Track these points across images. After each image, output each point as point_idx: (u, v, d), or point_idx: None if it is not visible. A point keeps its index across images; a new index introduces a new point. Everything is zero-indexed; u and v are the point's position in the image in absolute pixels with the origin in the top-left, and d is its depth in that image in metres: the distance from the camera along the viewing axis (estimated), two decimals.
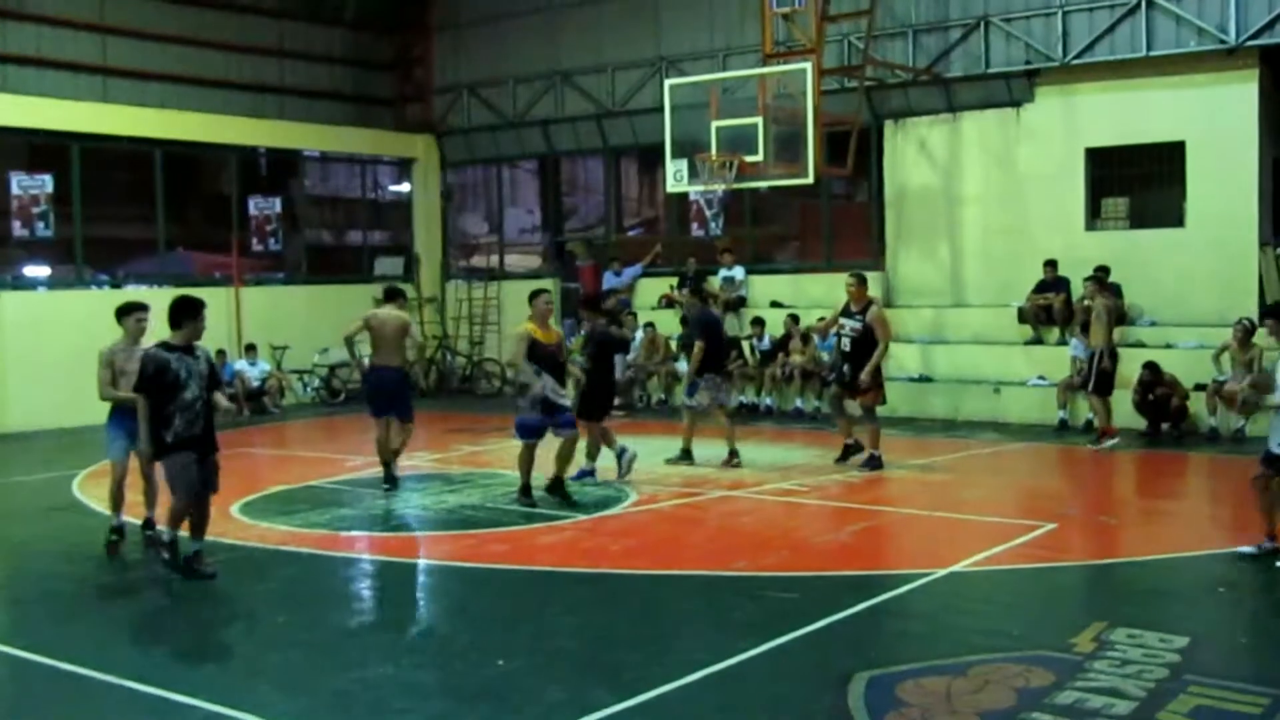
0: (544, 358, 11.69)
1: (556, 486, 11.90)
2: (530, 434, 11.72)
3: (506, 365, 11.47)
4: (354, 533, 10.94)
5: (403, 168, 25.75)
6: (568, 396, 12.16)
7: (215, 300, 21.20)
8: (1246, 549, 9.39)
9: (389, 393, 12.98)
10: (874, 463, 13.53)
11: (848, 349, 13.53)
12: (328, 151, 24.79)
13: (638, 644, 7.48)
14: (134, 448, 9.68)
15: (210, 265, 23.15)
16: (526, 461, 11.81)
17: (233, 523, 11.17)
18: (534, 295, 12.07)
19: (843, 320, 13.57)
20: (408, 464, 14.81)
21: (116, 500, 10.02)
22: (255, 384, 20.88)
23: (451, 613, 8.64)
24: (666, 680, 6.59)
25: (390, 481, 12.86)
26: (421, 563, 10.03)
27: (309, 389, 22.52)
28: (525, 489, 11.80)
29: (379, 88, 25.10)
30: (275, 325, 21.94)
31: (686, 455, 14.11)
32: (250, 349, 21.04)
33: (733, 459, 13.90)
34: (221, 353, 20.82)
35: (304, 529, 10.93)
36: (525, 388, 11.66)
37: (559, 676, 6.84)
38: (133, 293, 21.37)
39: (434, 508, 12.05)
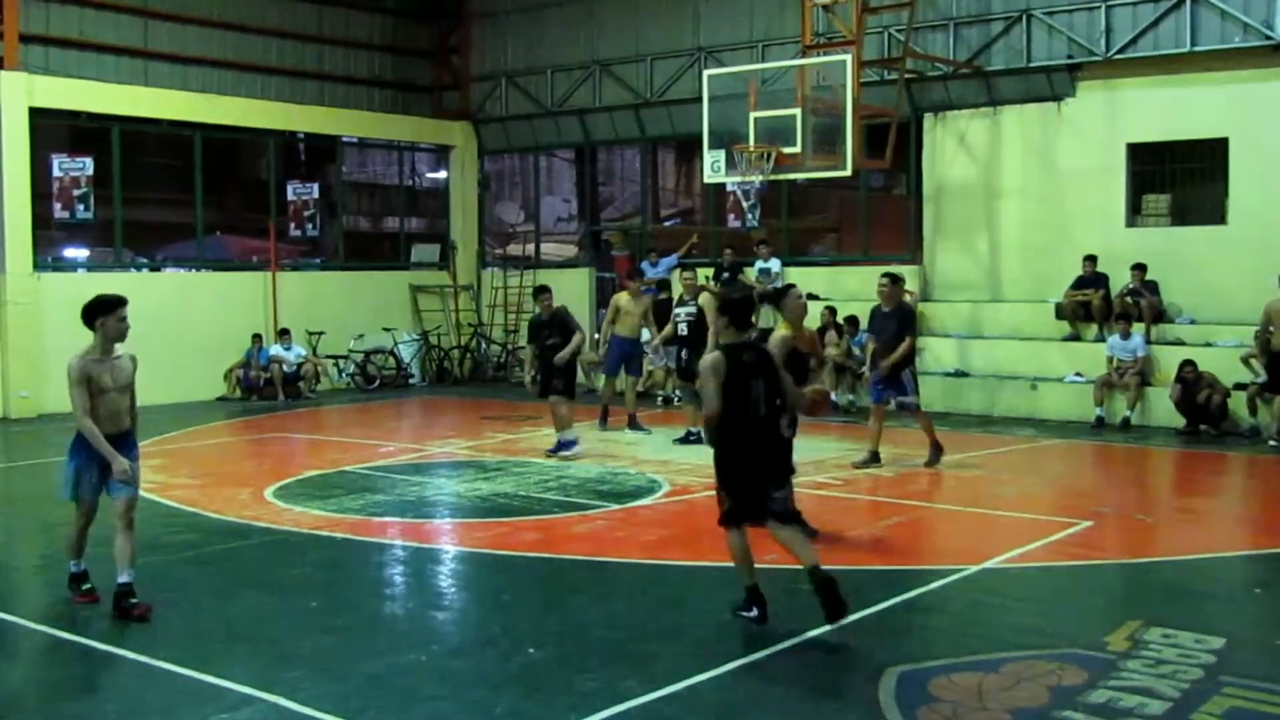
0: (801, 364, 9.57)
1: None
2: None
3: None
4: (387, 519, 10.98)
5: (440, 155, 25.81)
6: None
7: (252, 285, 21.52)
8: None
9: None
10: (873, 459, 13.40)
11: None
12: (365, 138, 24.89)
13: (669, 635, 7.48)
14: (109, 486, 7.89)
15: (248, 250, 23.31)
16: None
17: (267, 507, 11.25)
18: (784, 291, 11.02)
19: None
20: (440, 451, 14.91)
21: (79, 545, 8.15)
22: (291, 369, 20.98)
23: (483, 600, 8.67)
24: (698, 671, 6.60)
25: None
26: (454, 550, 10.07)
27: (344, 375, 22.64)
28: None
29: (417, 75, 25.16)
30: (312, 311, 22.06)
31: (875, 458, 13.53)
32: (284, 334, 21.15)
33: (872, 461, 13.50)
34: (258, 337, 20.99)
35: (338, 514, 10.99)
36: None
37: (590, 666, 6.85)
38: (170, 276, 21.60)
39: (468, 495, 12.09)
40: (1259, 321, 15.75)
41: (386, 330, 23.21)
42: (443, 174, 26.00)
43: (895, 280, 13.49)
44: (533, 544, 10.02)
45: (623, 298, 16.46)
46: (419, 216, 26.57)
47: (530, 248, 25.78)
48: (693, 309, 15.08)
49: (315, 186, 23.28)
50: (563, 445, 14.09)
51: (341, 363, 22.63)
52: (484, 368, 24.68)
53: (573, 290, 22.37)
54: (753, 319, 7.91)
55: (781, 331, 9.96)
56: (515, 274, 24.75)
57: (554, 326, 14.37)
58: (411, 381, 23.37)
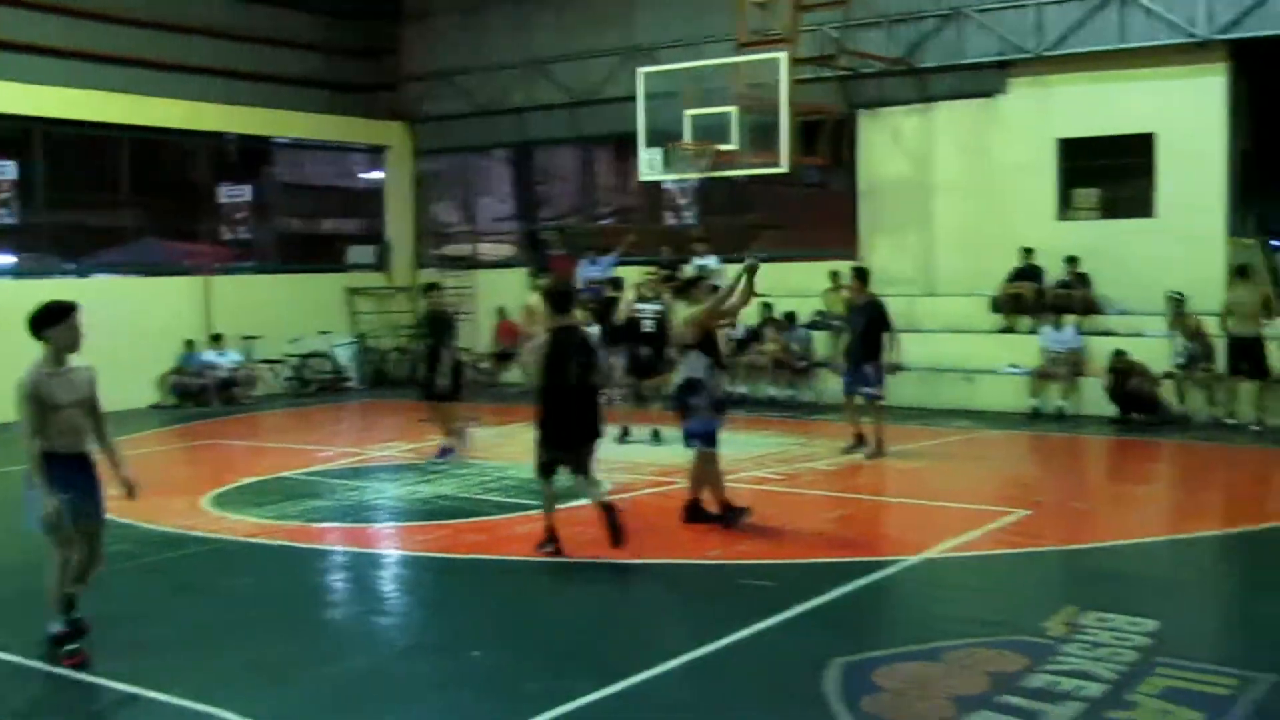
0: (712, 348, 10.29)
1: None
2: (713, 440, 10.08)
3: (679, 354, 10.22)
4: (326, 524, 10.90)
5: (375, 155, 25.63)
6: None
7: (185, 290, 21.24)
8: None
9: None
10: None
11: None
12: (300, 139, 24.62)
13: (615, 633, 7.50)
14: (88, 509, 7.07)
15: (180, 254, 22.98)
16: (716, 475, 10.13)
17: (204, 515, 11.12)
18: (695, 280, 10.81)
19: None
20: (380, 455, 14.82)
21: (71, 594, 7.15)
22: (226, 374, 20.77)
23: (427, 604, 8.63)
24: (645, 668, 6.60)
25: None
26: (396, 554, 10.02)
27: (280, 379, 22.43)
28: (729, 505, 10.16)
29: (352, 75, 24.96)
30: (246, 315, 21.78)
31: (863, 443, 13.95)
32: (218, 339, 20.91)
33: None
34: (191, 343, 20.74)
35: (276, 521, 10.88)
36: (698, 384, 9.98)
37: (537, 666, 6.84)
38: (100, 281, 21.25)
39: (408, 498, 12.03)
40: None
41: (323, 333, 23.00)
42: (378, 175, 25.81)
43: (861, 274, 13.86)
44: (475, 546, 9.99)
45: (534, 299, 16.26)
46: (355, 218, 26.36)
47: (468, 248, 25.67)
48: (659, 306, 14.89)
49: (248, 189, 23.04)
50: (444, 451, 13.91)
51: (277, 367, 22.40)
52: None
53: (510, 290, 22.31)
54: (571, 307, 9.59)
55: (691, 311, 10.42)
56: (453, 274, 24.63)
57: (429, 326, 14.29)
58: (349, 385, 23.19)
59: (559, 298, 9.50)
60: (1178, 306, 16.43)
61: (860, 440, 13.82)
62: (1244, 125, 18.42)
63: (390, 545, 10.30)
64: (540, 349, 9.21)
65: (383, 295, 24.69)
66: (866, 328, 13.55)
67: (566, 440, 9.17)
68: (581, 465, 9.27)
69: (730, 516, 10.04)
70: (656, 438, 14.67)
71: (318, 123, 23.97)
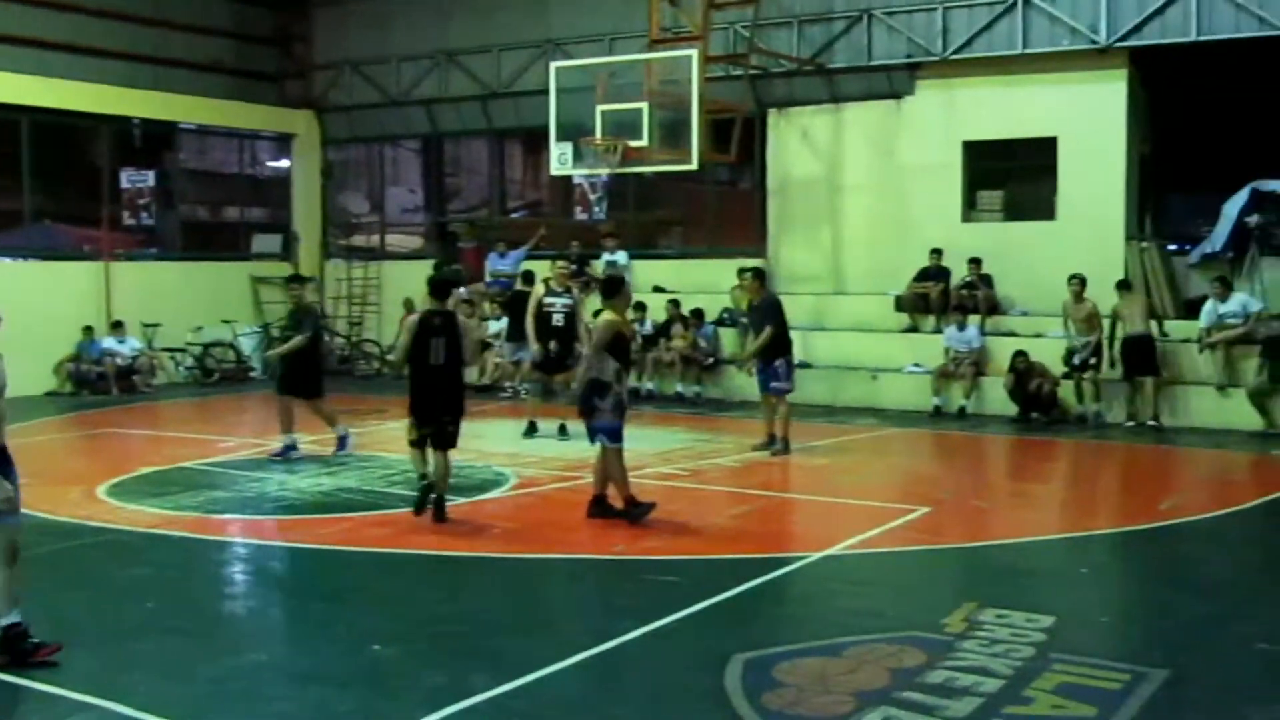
0: (626, 352, 10.28)
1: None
2: (620, 438, 10.11)
3: (590, 359, 10.14)
4: (227, 516, 10.74)
5: (282, 144, 25.31)
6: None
7: (84, 276, 20.81)
8: None
9: None
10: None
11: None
12: (205, 125, 24.20)
13: (517, 627, 7.47)
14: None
15: (80, 239, 22.48)
16: (621, 471, 10.19)
17: (100, 505, 10.90)
18: (619, 282, 10.61)
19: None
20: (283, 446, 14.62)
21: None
22: (125, 363, 20.38)
23: (328, 597, 8.52)
24: (546, 663, 6.59)
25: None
26: (297, 546, 9.89)
27: (182, 368, 22.06)
28: (634, 500, 10.21)
29: (260, 62, 24.61)
30: (148, 302, 21.39)
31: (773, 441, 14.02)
32: (118, 326, 20.51)
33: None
34: (90, 329, 20.32)
35: (175, 512, 10.69)
36: (605, 387, 9.98)
37: (438, 661, 6.81)
38: None
39: (311, 490, 11.88)
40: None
41: (226, 322, 22.67)
42: (285, 163, 25.50)
43: (758, 274, 14.09)
44: (378, 539, 9.90)
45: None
46: (260, 206, 25.98)
47: (375, 239, 25.44)
48: (569, 300, 14.82)
49: (152, 174, 22.61)
50: (287, 448, 13.53)
51: (179, 356, 22.03)
52: (327, 360, 24.23)
53: (418, 281, 22.09)
54: (449, 294, 10.90)
55: (608, 316, 10.26)
56: (360, 265, 24.41)
57: (292, 321, 13.91)
58: (253, 375, 22.85)
59: (435, 285, 10.63)
60: (1080, 288, 16.66)
61: (773, 439, 13.94)
62: (1143, 130, 18.88)
63: (292, 538, 10.16)
64: (409, 330, 10.33)
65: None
66: (764, 324, 13.78)
67: (431, 414, 10.25)
68: (443, 438, 10.25)
69: (635, 512, 10.05)
70: (563, 433, 14.66)
71: (224, 109, 23.61)
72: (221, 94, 23.55)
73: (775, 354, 13.74)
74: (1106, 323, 16.66)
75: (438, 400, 10.29)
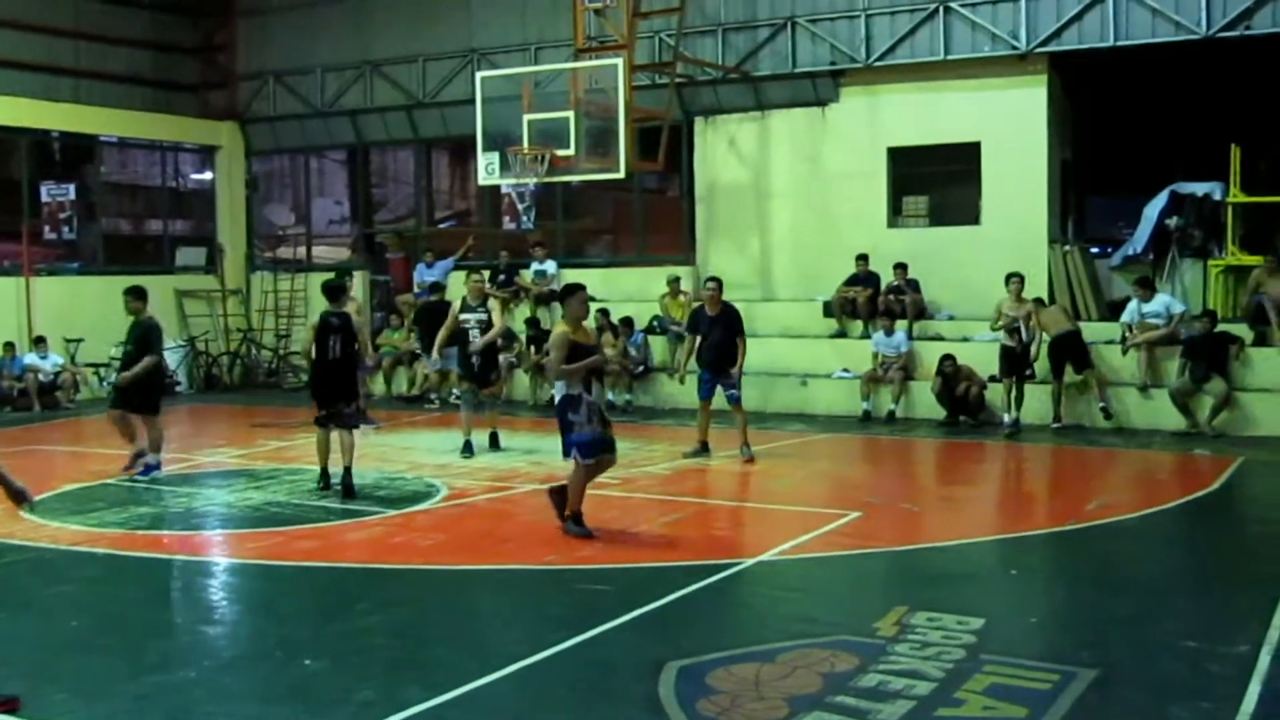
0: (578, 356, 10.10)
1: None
2: (590, 452, 9.98)
3: (553, 377, 10.28)
4: (153, 532, 10.57)
5: (205, 156, 25.00)
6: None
7: (4, 291, 20.40)
8: None
9: None
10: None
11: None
12: (126, 137, 23.87)
13: (450, 640, 7.42)
14: None
15: None
16: (581, 486, 10.07)
17: (22, 523, 10.65)
18: (569, 292, 10.40)
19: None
20: (210, 461, 14.46)
21: None
22: (47, 378, 20.02)
23: (257, 612, 8.43)
24: (479, 675, 6.55)
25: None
26: (225, 562, 9.76)
27: (105, 383, 21.67)
28: (578, 517, 10.04)
29: (181, 73, 24.29)
30: (70, 317, 21.02)
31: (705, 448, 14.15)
32: (40, 341, 20.15)
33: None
34: (10, 345, 19.95)
35: (99, 529, 10.51)
36: (576, 400, 9.97)
37: (370, 675, 6.74)
38: None
39: (238, 505, 11.74)
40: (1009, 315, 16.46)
41: None
42: (208, 175, 25.18)
43: (719, 284, 14.06)
44: (308, 553, 9.80)
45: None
46: (184, 219, 25.62)
47: (302, 250, 25.20)
48: (483, 315, 14.49)
49: (72, 187, 22.23)
50: (148, 467, 13.09)
51: (103, 371, 21.63)
52: (255, 373, 24.01)
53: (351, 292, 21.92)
54: (341, 298, 12.36)
55: (559, 328, 10.23)
56: (286, 277, 24.17)
57: (131, 337, 13.42)
58: (178, 389, 22.53)
59: (330, 290, 12.46)
60: (1020, 287, 16.44)
61: (705, 445, 13.99)
62: (1065, 135, 19.18)
63: (219, 553, 10.04)
64: (311, 329, 12.31)
65: (213, 298, 24.10)
66: (726, 334, 13.72)
67: (328, 398, 12.06)
68: (341, 419, 12.04)
69: (572, 527, 9.95)
70: (495, 444, 14.55)
71: (146, 121, 23.29)
72: (142, 106, 23.22)
73: (730, 361, 13.72)
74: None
75: (334, 387, 12.05)
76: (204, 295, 23.93)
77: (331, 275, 15.20)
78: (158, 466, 13.19)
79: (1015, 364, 16.35)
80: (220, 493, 12.37)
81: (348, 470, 11.75)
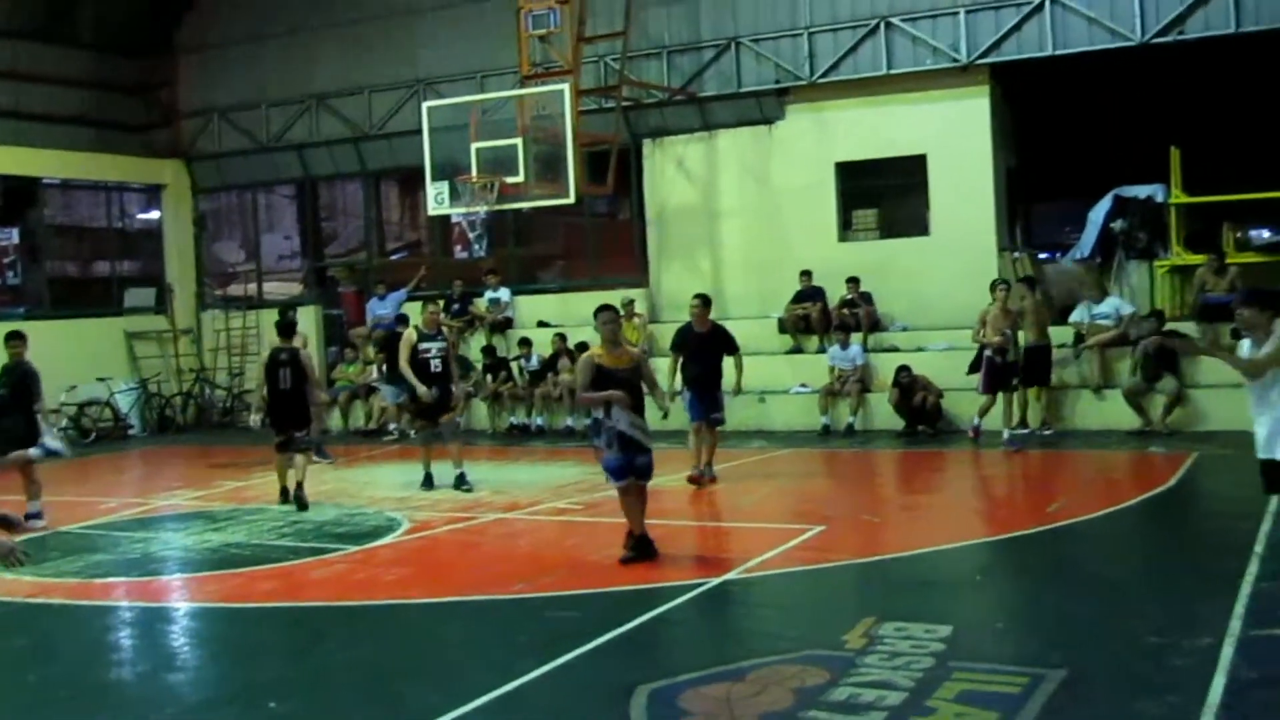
0: (617, 385, 9.78)
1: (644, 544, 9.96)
2: (621, 475, 9.80)
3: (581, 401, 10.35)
4: (111, 579, 10.43)
5: (151, 195, 24.83)
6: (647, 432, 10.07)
7: None
8: None
9: None
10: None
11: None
12: (70, 179, 23.64)
13: (418, 674, 7.35)
14: None
15: None
16: (632, 509, 9.91)
17: None
18: (597, 313, 10.06)
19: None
20: (166, 504, 14.30)
21: None
22: None
23: (220, 656, 8.32)
24: (449, 708, 6.48)
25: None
26: (186, 606, 9.64)
27: (56, 429, 21.40)
28: (643, 539, 9.93)
29: (124, 112, 24.10)
30: None
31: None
32: None
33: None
34: None
35: (55, 579, 10.33)
36: (599, 424, 9.84)
37: (337, 712, 6.67)
38: None
39: (197, 548, 11.59)
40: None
41: (101, 380, 22.06)
42: (155, 214, 25.00)
43: (706, 302, 13.56)
44: (270, 593, 9.70)
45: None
46: (131, 259, 25.41)
47: (253, 287, 25.04)
48: (442, 343, 14.17)
49: (15, 231, 22.01)
50: (30, 515, 12.42)
51: (53, 417, 21.35)
52: (209, 413, 23.79)
53: (299, 329, 21.79)
54: (292, 334, 13.62)
55: (589, 352, 10.07)
56: (238, 315, 23.99)
57: (6, 379, 13.05)
58: (131, 432, 22.31)
59: (281, 328, 13.72)
60: (1006, 294, 15.61)
61: (706, 469, 13.56)
62: (1009, 144, 19.37)
63: (180, 598, 9.91)
64: (262, 364, 13.74)
65: (164, 339, 23.88)
66: (715, 354, 13.38)
67: (281, 424, 13.33)
68: (295, 444, 13.31)
69: (639, 549, 9.82)
70: (462, 482, 13.93)
71: (89, 162, 23.11)
72: (85, 146, 23.03)
73: (717, 383, 13.41)
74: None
75: (287, 416, 13.34)
76: (154, 336, 23.71)
77: (280, 313, 15.21)
78: (37, 515, 12.60)
79: (1002, 376, 15.50)
80: (178, 536, 12.22)
81: (299, 485, 13.07)
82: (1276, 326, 7.58)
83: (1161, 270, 17.92)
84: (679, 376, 13.61)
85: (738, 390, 13.57)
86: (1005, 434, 15.38)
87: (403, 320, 18.87)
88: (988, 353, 15.41)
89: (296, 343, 13.67)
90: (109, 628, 9.13)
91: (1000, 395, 15.55)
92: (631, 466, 9.76)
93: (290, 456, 13.35)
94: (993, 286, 15.97)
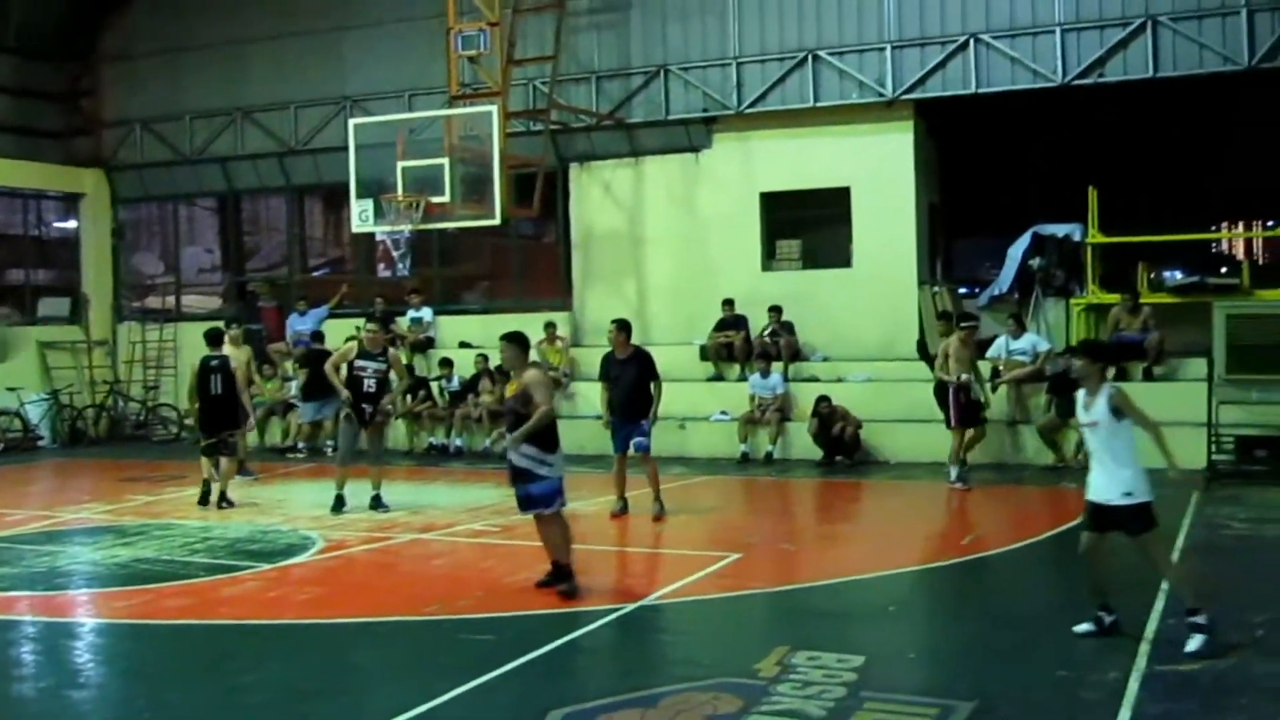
0: (507, 414, 9.62)
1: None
2: (544, 504, 9.50)
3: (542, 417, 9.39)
4: (13, 593, 10.20)
5: (70, 203, 24.41)
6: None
7: None
8: (1083, 628, 8.14)
9: None
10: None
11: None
12: None
13: (328, 695, 7.27)
14: None
15: None
16: (544, 539, 9.75)
17: None
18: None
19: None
20: (75, 517, 14.03)
21: None
22: None
23: (126, 674, 8.16)
24: None
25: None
26: (91, 622, 9.45)
27: None
28: (559, 568, 9.66)
29: (44, 119, 23.71)
30: None
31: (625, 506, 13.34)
32: None
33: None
34: None
35: None
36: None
37: None
38: None
39: (105, 563, 11.38)
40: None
41: (11, 390, 21.63)
42: (73, 223, 24.59)
43: (624, 327, 13.24)
44: (179, 610, 9.54)
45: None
46: (47, 268, 24.95)
47: (171, 300, 24.69)
48: (381, 365, 13.77)
49: None
50: None
51: None
52: (122, 426, 23.39)
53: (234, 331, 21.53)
54: (220, 343, 14.37)
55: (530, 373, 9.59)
56: (155, 327, 23.64)
57: None
58: (41, 444, 21.88)
59: (209, 337, 14.50)
60: (970, 333, 15.26)
61: (625, 502, 13.26)
62: (931, 179, 19.66)
63: (85, 613, 9.71)
64: (193, 371, 14.37)
65: (78, 349, 23.47)
66: (637, 380, 13.01)
67: (212, 429, 14.15)
68: (225, 447, 14.24)
69: (557, 578, 9.57)
70: (378, 503, 13.70)
71: (7, 168, 22.75)
72: (4, 153, 22.59)
73: (643, 410, 13.05)
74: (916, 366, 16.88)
75: (217, 420, 14.18)
76: (68, 346, 23.30)
77: (210, 325, 15.59)
78: None
79: (971, 411, 15.10)
80: (86, 550, 11.99)
81: (224, 490, 14.09)
82: (1105, 384, 8.04)
83: (1078, 308, 18.24)
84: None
85: (652, 419, 13.15)
86: (952, 474, 14.84)
87: (318, 337, 18.74)
88: (953, 387, 14.92)
89: (226, 349, 14.51)
90: (11, 643, 8.92)
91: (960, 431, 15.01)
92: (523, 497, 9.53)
93: (216, 460, 14.19)
94: (958, 323, 15.52)
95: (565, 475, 9.63)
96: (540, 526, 9.69)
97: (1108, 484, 7.97)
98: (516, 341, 9.74)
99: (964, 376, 14.97)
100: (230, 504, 14.00)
